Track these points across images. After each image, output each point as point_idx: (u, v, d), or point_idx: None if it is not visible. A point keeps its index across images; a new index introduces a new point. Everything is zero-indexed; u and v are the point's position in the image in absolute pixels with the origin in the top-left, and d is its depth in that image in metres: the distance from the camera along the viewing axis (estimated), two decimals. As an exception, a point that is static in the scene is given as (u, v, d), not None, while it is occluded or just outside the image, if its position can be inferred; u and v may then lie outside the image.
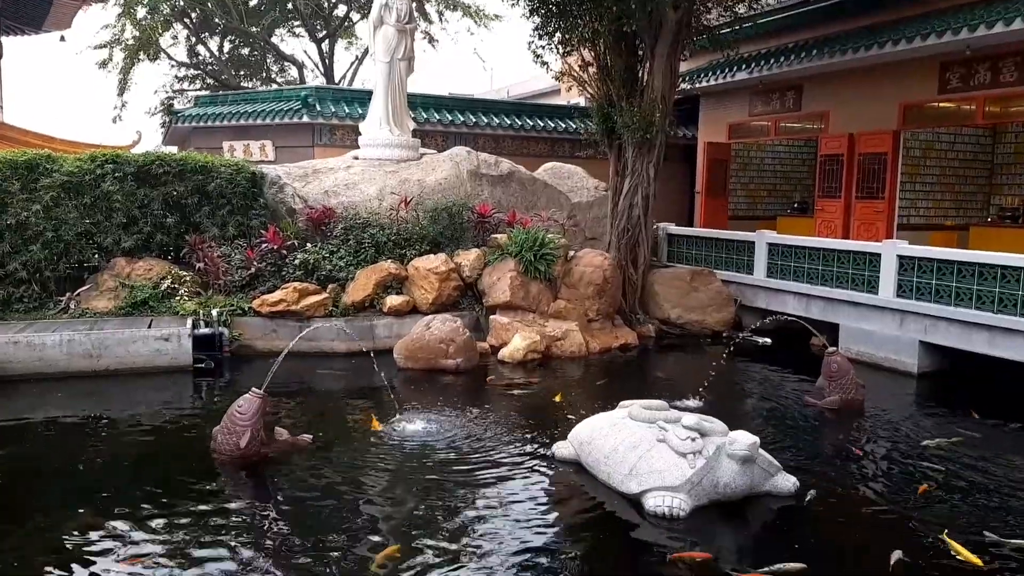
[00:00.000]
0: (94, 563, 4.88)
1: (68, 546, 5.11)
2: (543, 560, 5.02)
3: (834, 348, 8.84)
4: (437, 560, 4.97)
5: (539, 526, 5.52)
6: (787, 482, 6.02)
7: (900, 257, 10.40)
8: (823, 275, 11.64)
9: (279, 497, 6.06)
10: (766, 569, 4.74)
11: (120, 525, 5.38)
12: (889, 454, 7.36)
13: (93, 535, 5.24)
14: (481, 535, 5.32)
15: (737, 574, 4.73)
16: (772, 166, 20.03)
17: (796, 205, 19.08)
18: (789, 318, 10.31)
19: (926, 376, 10.08)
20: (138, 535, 5.24)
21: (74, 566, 4.85)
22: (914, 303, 10.12)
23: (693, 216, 18.86)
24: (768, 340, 12.14)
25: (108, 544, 5.11)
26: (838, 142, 15.17)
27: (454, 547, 5.16)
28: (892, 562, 4.98)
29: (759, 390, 9.85)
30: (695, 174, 18.95)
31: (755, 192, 19.81)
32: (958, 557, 5.04)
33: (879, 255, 10.72)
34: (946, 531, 5.36)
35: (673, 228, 15.11)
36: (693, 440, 5.81)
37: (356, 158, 13.74)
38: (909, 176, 15.13)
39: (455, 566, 4.92)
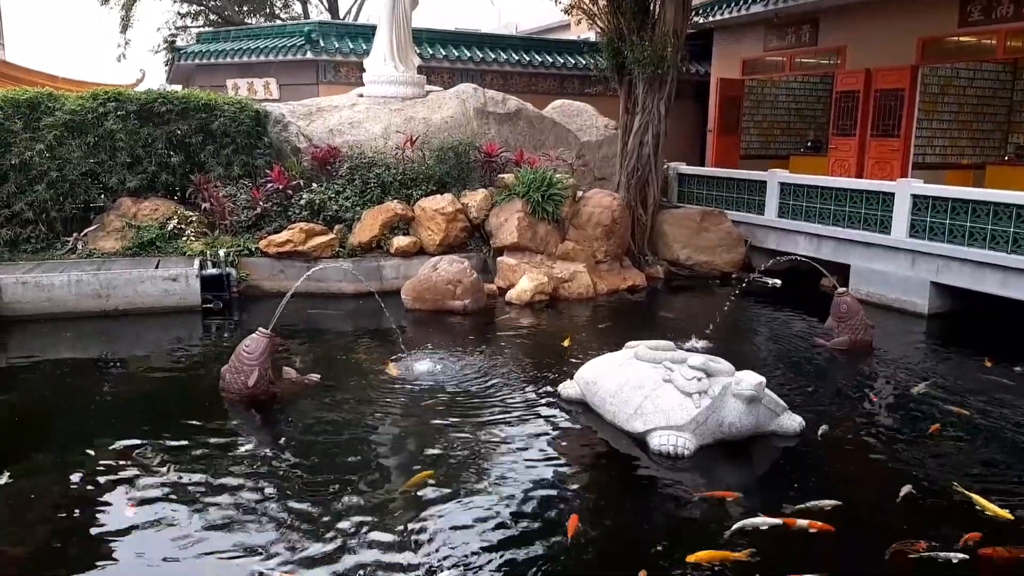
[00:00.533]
0: (107, 501, 4.97)
1: (80, 484, 5.19)
2: (553, 492, 5.08)
3: (844, 289, 8.75)
4: (451, 491, 5.06)
5: (546, 462, 5.56)
6: (793, 422, 6.03)
7: (914, 196, 10.22)
8: (835, 215, 11.49)
9: (288, 434, 6.11)
10: (800, 507, 4.73)
11: (132, 464, 5.45)
12: (897, 394, 7.35)
13: (104, 475, 5.32)
14: (490, 471, 5.38)
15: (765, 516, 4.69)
16: (786, 104, 19.61)
17: (809, 144, 18.75)
18: (799, 259, 10.21)
19: (937, 317, 10.01)
20: (148, 479, 5.30)
21: (85, 504, 4.94)
22: (927, 243, 9.99)
23: (704, 155, 18.58)
24: (778, 281, 12.05)
25: (122, 477, 5.20)
26: (854, 78, 14.79)
27: (467, 481, 5.23)
28: (901, 494, 5.04)
29: (768, 331, 9.83)
30: (707, 112, 18.59)
31: (768, 131, 19.44)
32: (986, 512, 4.88)
33: (893, 194, 10.54)
34: (954, 483, 5.34)
35: (684, 167, 14.88)
36: (699, 380, 5.79)
37: (361, 96, 13.50)
38: (926, 113, 14.77)
39: (470, 496, 5.02)
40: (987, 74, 15.78)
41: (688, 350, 7.25)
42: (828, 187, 11.69)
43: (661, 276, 12.50)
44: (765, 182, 12.78)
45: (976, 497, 5.06)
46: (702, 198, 14.15)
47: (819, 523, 4.64)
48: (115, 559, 4.34)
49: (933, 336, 9.54)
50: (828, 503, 4.84)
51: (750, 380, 5.66)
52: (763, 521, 4.61)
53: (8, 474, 4.59)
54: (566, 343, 8.01)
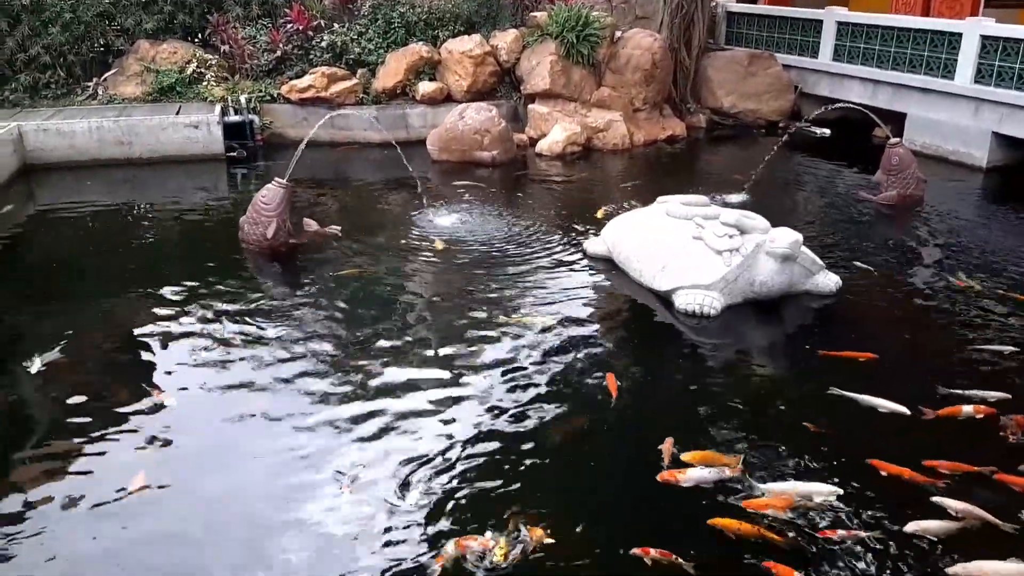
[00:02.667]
0: (144, 341, 5.05)
1: (114, 324, 5.31)
2: (576, 354, 4.97)
3: (897, 139, 8.15)
4: (479, 334, 5.09)
5: (569, 319, 5.42)
6: (829, 281, 5.74)
7: (983, 38, 9.32)
8: (895, 58, 10.60)
9: (309, 285, 6.03)
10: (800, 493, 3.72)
11: (160, 310, 5.47)
12: (941, 252, 6.97)
13: (137, 315, 5.39)
14: (503, 323, 5.27)
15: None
16: (851, -68, 17.83)
17: (874, -21, 17.17)
18: (852, 107, 9.49)
19: (994, 170, 9.37)
20: (175, 326, 5.30)
21: (121, 341, 5.08)
22: (992, 90, 9.19)
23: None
24: (827, 131, 11.37)
25: (150, 326, 5.22)
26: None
27: (492, 326, 5.20)
28: None
29: (813, 184, 9.33)
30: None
31: (829, -36, 17.81)
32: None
33: (960, 35, 9.61)
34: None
35: (733, 5, 13.76)
36: (731, 237, 5.49)
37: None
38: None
39: (496, 336, 5.06)
40: None
41: (726, 205, 6.89)
42: (890, 27, 10.72)
43: (703, 125, 11.86)
44: (821, 21, 11.78)
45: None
46: (751, 40, 13.16)
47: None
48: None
49: (989, 191, 8.98)
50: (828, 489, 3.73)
51: (785, 237, 5.34)
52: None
53: (40, 361, 4.67)
54: (600, 214, 7.54)
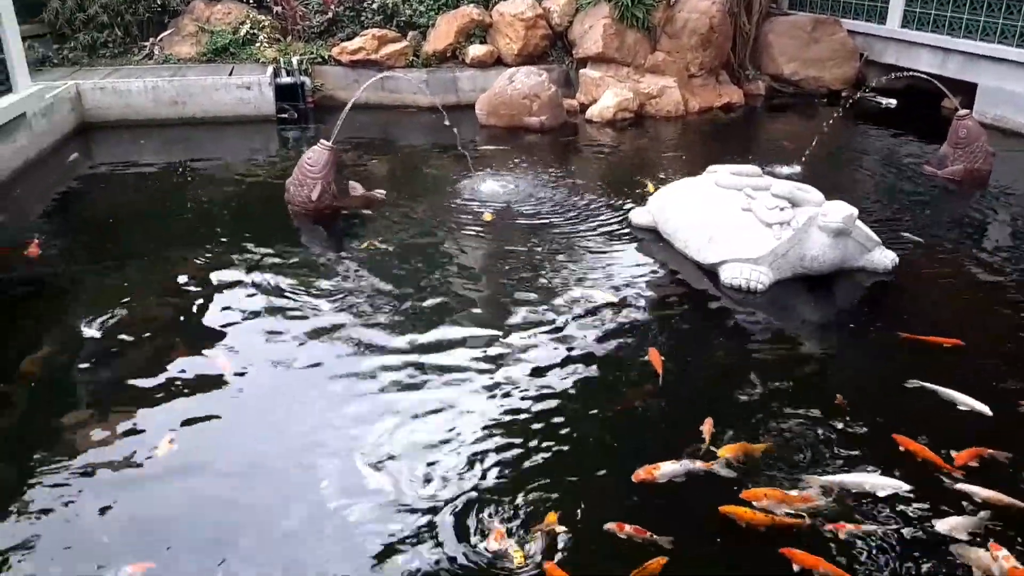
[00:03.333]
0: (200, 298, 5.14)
1: (177, 281, 5.42)
2: (615, 326, 4.88)
3: (965, 111, 7.74)
4: (524, 302, 5.07)
5: (614, 292, 5.32)
6: (885, 258, 5.51)
7: (1068, 3, 8.77)
8: (967, 25, 10.04)
9: (353, 250, 6.03)
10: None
11: (210, 266, 5.59)
12: (1007, 230, 6.63)
13: (187, 274, 5.50)
14: (548, 293, 5.19)
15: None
16: None
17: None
18: (919, 77, 9.05)
19: (1071, 146, 8.88)
20: (220, 287, 5.37)
21: (183, 296, 5.20)
22: (1073, 59, 8.66)
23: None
24: (893, 101, 10.90)
25: (194, 286, 5.32)
26: None
27: (533, 301, 5.12)
28: None
29: (874, 156, 8.95)
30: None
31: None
32: None
33: (1040, 1, 9.07)
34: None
35: (798, -32, 13.22)
36: (781, 210, 5.29)
37: None
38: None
39: (537, 310, 5.00)
40: None
41: (781, 176, 6.65)
42: (965, -9, 10.17)
43: (762, 93, 11.46)
44: (891, -16, 11.23)
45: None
46: (816, 4, 12.63)
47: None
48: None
49: (1064, 167, 8.51)
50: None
51: (839, 211, 5.13)
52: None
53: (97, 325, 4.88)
54: (650, 189, 7.19)
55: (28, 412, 4.04)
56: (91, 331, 4.71)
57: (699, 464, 3.55)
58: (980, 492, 3.38)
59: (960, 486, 3.44)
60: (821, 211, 5.21)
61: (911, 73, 9.05)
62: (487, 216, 6.64)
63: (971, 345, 4.62)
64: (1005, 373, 4.37)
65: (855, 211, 5.19)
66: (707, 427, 3.78)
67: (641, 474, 3.48)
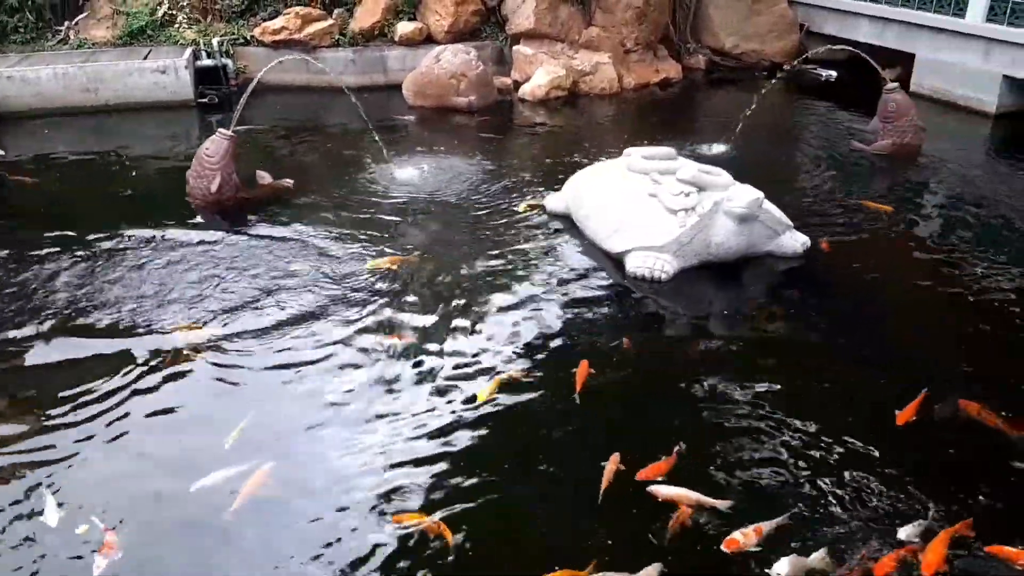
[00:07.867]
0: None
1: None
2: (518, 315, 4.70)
3: (894, 84, 7.58)
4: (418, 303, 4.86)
5: (517, 281, 5.12)
6: (794, 242, 5.37)
7: (999, -29, 8.63)
8: (906, -6, 9.89)
9: (262, 236, 5.78)
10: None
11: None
12: (929, 207, 6.53)
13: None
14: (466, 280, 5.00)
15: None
16: None
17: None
18: (857, 47, 8.86)
19: (1004, 117, 8.74)
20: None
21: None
22: (1005, 29, 8.51)
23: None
24: (833, 73, 10.75)
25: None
26: None
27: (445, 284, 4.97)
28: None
29: (806, 132, 8.80)
30: None
31: None
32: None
33: (974, -33, 8.91)
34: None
35: (741, -63, 12.93)
36: (687, 195, 5.12)
37: None
38: None
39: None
40: None
41: (706, 156, 6.46)
42: (902, -42, 9.98)
43: (701, 67, 11.23)
44: (831, -47, 11.02)
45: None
46: (759, -25, 12.38)
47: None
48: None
49: (995, 138, 8.42)
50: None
51: (744, 196, 4.96)
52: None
53: None
54: (521, 208, 6.32)
55: None
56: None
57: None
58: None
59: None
60: (726, 196, 5.04)
61: (849, 45, 8.88)
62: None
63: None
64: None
65: (760, 195, 5.02)
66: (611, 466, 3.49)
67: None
